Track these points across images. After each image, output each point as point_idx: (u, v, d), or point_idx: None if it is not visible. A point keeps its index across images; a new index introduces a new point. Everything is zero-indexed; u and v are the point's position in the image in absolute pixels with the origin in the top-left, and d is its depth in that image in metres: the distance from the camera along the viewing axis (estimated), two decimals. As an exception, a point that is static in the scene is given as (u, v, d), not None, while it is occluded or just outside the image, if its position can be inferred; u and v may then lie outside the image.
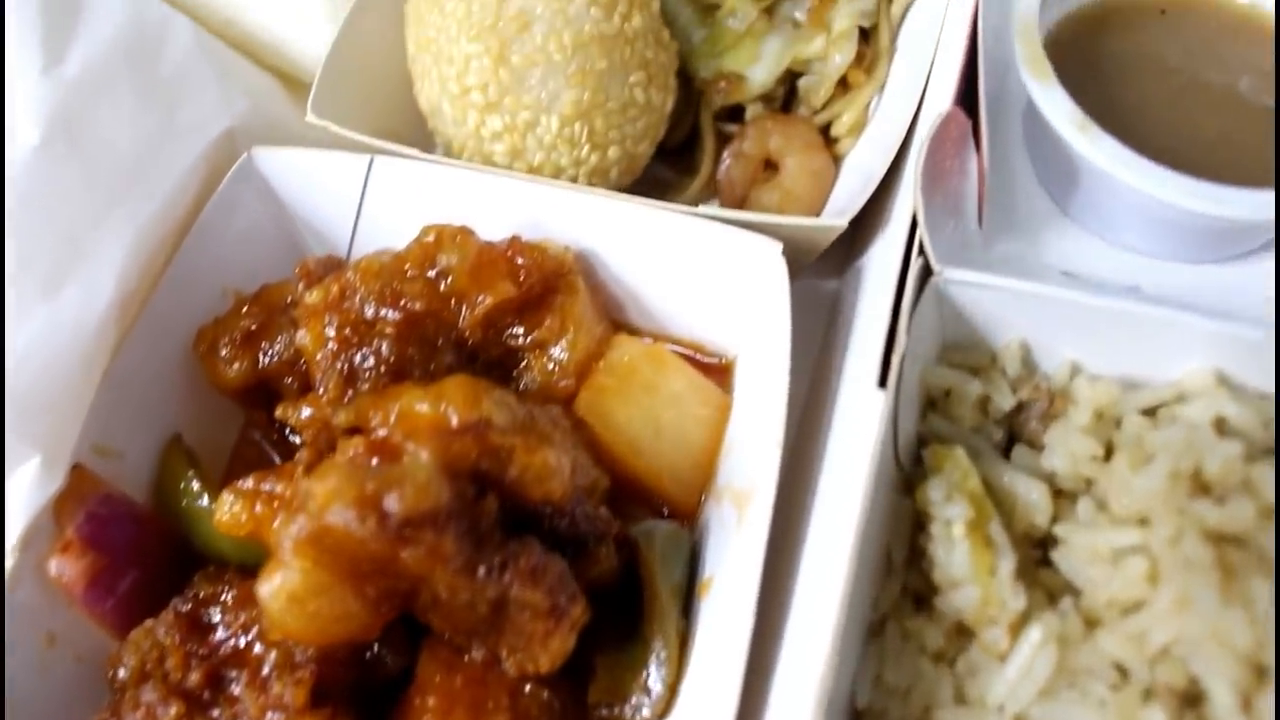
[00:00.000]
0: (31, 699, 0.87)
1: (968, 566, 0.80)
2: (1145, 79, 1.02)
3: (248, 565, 0.88)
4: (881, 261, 0.94)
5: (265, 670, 0.82)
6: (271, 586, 0.72)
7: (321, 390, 0.89)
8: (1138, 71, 1.03)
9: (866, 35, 1.17)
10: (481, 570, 0.74)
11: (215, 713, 0.83)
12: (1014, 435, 0.90)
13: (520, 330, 0.94)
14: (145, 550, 0.94)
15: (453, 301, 0.92)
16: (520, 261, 0.93)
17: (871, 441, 0.78)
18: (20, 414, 0.88)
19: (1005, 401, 0.89)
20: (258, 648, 0.83)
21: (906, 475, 0.88)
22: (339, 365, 0.89)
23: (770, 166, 1.18)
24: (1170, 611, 0.75)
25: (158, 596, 0.89)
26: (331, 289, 0.91)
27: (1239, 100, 1.00)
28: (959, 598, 0.80)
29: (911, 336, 0.84)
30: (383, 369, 0.88)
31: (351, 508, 0.70)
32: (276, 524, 0.75)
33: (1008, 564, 0.79)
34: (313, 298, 0.91)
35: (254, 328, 0.98)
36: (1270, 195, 0.87)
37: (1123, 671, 0.77)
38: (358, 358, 0.89)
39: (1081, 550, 0.80)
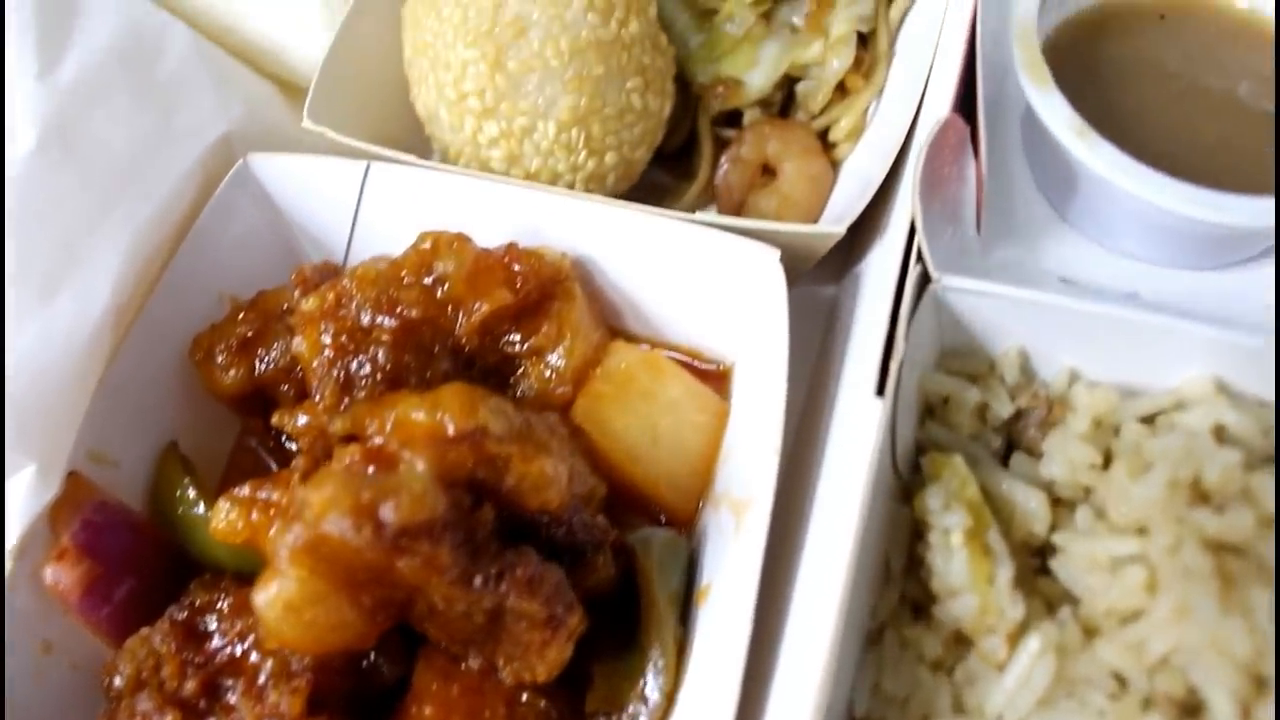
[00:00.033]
0: (27, 706, 0.87)
1: (966, 575, 0.79)
2: (1144, 84, 1.02)
3: (244, 573, 0.87)
4: (880, 268, 0.94)
5: (261, 679, 0.82)
6: (267, 595, 0.72)
7: (318, 398, 0.89)
8: (1136, 76, 1.03)
9: (865, 40, 1.17)
10: (478, 580, 0.73)
11: (210, 721, 0.83)
12: (1012, 443, 0.90)
13: (517, 337, 0.94)
14: (141, 558, 0.93)
15: (449, 308, 0.92)
16: (517, 268, 0.93)
17: (869, 449, 0.78)
18: (15, 421, 0.88)
19: (1004, 409, 0.89)
20: (254, 656, 0.83)
21: (905, 483, 0.87)
22: (335, 372, 0.88)
23: (768, 172, 1.18)
24: (1169, 620, 0.75)
25: (153, 604, 0.89)
26: (328, 296, 0.90)
27: (1238, 106, 1.00)
28: (957, 606, 0.80)
29: (910, 343, 0.84)
30: (379, 376, 0.88)
31: (347, 517, 0.70)
32: (273, 532, 0.74)
33: (1006, 572, 0.79)
34: (309, 305, 0.91)
35: (250, 334, 0.98)
36: (1270, 202, 0.87)
37: (1121, 681, 0.77)
38: (354, 365, 0.89)
39: (1080, 559, 0.80)
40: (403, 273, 0.92)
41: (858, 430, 0.81)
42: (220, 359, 0.98)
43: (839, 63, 1.15)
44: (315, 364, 0.89)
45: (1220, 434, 0.83)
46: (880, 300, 0.87)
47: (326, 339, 0.90)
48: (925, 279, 0.87)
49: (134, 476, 0.98)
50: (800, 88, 1.19)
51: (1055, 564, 0.82)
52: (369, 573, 0.72)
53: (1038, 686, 0.77)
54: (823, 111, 1.18)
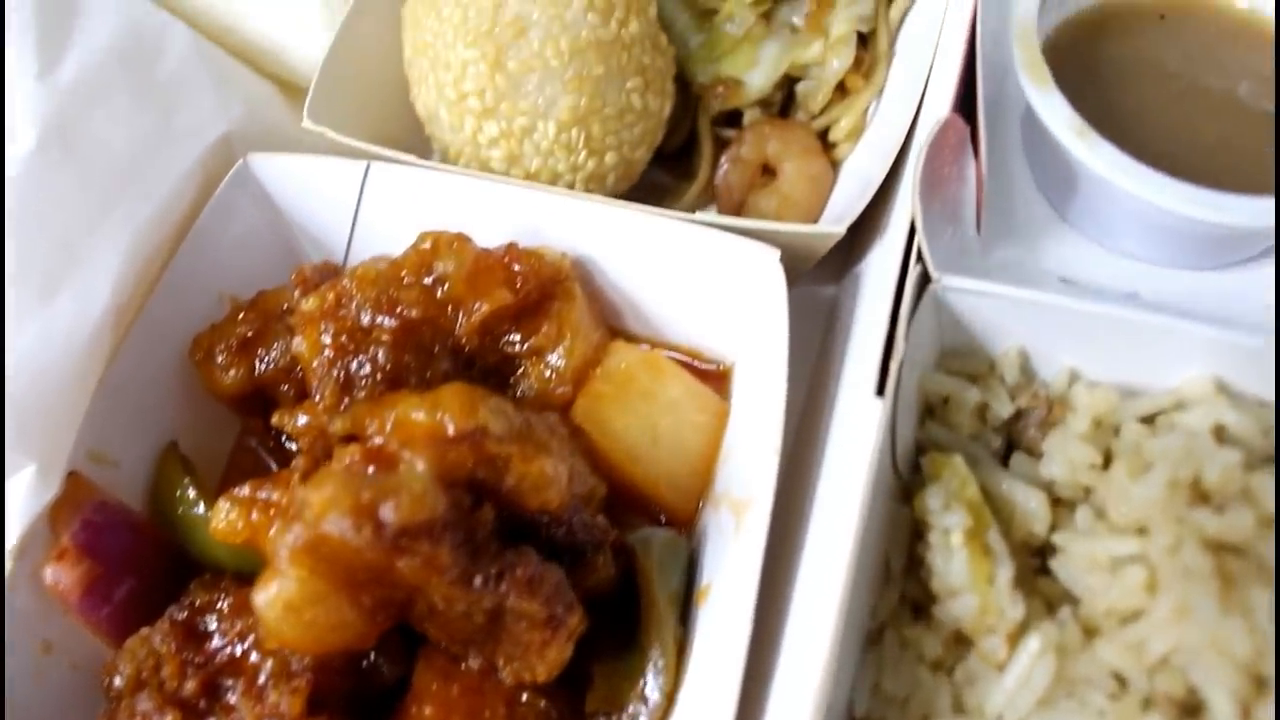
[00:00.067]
0: (27, 706, 0.87)
1: (966, 575, 0.79)
2: (1144, 84, 1.02)
3: (244, 573, 0.87)
4: (880, 268, 0.94)
5: (261, 679, 0.82)
6: (267, 595, 0.72)
7: (318, 397, 0.89)
8: (1136, 76, 1.03)
9: (865, 40, 1.17)
10: (478, 580, 0.73)
11: (210, 721, 0.83)
12: (1012, 443, 0.90)
13: (517, 337, 0.94)
14: (141, 558, 0.93)
15: (449, 308, 0.92)
16: (517, 268, 0.93)
17: (869, 449, 0.78)
18: (15, 421, 0.88)
19: (1004, 409, 0.89)
20: (254, 656, 0.83)
21: (905, 483, 0.87)
22: (335, 373, 0.88)
23: (768, 171, 1.18)
24: (1169, 621, 0.75)
25: (153, 604, 0.89)
26: (328, 296, 0.90)
27: (1238, 105, 1.00)
28: (957, 606, 0.80)
29: (910, 343, 0.83)
30: (379, 376, 0.88)
31: (347, 517, 0.70)
32: (273, 532, 0.74)
33: (1006, 572, 0.79)
34: (309, 305, 0.91)
35: (250, 334, 0.98)
36: (1270, 202, 0.87)
37: (1121, 681, 0.77)
38: (354, 365, 0.89)
39: (1080, 559, 0.80)
40: (403, 273, 0.92)
41: (858, 430, 0.81)
42: (220, 359, 0.98)
43: (839, 63, 1.15)
44: (315, 364, 0.89)
45: (1220, 434, 0.83)
46: (880, 300, 0.87)
47: (326, 339, 0.89)
48: (925, 279, 0.87)
49: (134, 476, 0.98)
50: (800, 88, 1.19)
51: (1055, 564, 0.82)
52: (369, 573, 0.72)
53: (1038, 686, 0.77)
54: (823, 111, 1.18)
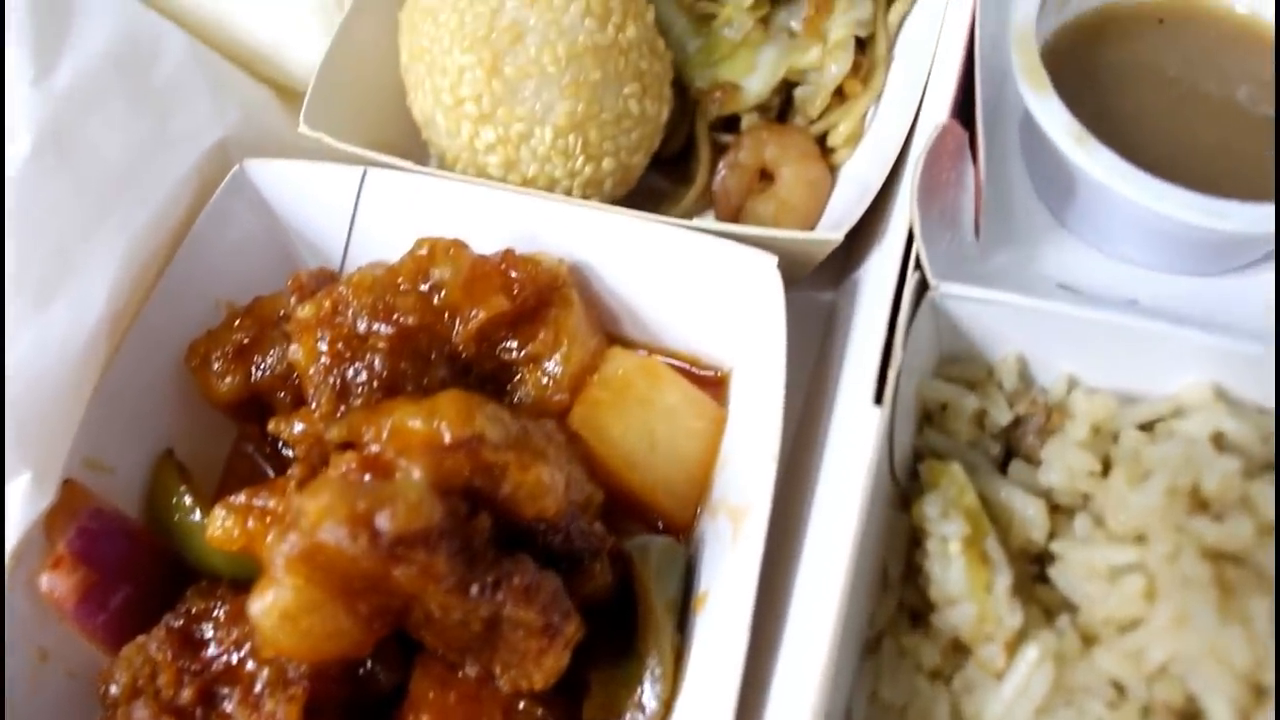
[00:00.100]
0: (23, 714, 0.87)
1: (964, 583, 0.79)
2: (1143, 89, 1.02)
3: (240, 580, 0.87)
4: (878, 274, 0.94)
5: (258, 687, 0.81)
6: (264, 604, 0.72)
7: (314, 405, 0.88)
8: (1135, 81, 1.03)
9: (863, 45, 1.17)
10: (474, 589, 0.73)
11: (207, 729, 0.82)
12: (1011, 450, 0.90)
13: (514, 344, 0.94)
14: (137, 565, 0.93)
15: (446, 315, 0.92)
16: (514, 275, 0.92)
17: (867, 456, 0.78)
18: (11, 429, 0.88)
19: (1002, 416, 0.89)
20: (250, 664, 0.83)
21: (903, 490, 0.87)
22: (331, 380, 0.88)
23: (766, 177, 1.18)
24: (1168, 629, 0.75)
25: (150, 612, 0.88)
26: (324, 303, 0.90)
27: (1238, 110, 1.00)
28: (955, 614, 0.79)
29: (908, 350, 0.83)
30: (375, 384, 0.88)
31: (343, 525, 0.70)
32: (269, 540, 0.74)
33: (1004, 580, 0.79)
34: (305, 312, 0.91)
35: (246, 341, 0.97)
36: (1269, 208, 0.87)
37: (1120, 689, 0.77)
38: (350, 372, 0.88)
39: (1079, 567, 0.80)
40: (399, 279, 0.92)
41: (856, 437, 0.81)
42: (216, 366, 0.98)
43: (837, 68, 1.15)
44: (312, 371, 0.89)
45: (1219, 441, 0.83)
46: (878, 306, 0.87)
47: (323, 346, 0.89)
48: (923, 285, 0.87)
49: (130, 483, 0.97)
50: (798, 93, 1.19)
51: (1054, 572, 0.81)
52: (365, 581, 0.72)
53: (1036, 695, 0.76)
54: (821, 116, 1.18)
